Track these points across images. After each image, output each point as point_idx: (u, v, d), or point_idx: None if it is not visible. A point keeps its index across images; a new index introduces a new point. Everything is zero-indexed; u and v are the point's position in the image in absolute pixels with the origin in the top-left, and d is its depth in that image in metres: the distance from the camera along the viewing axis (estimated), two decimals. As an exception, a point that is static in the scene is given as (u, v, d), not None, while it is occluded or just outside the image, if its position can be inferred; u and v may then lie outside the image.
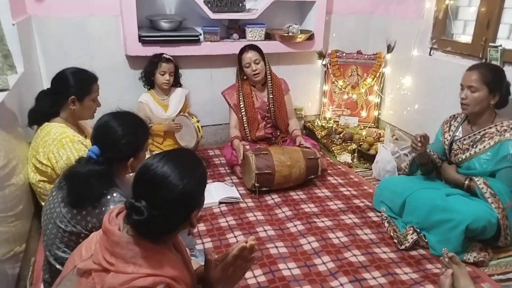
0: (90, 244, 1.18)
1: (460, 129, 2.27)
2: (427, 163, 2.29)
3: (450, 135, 2.29)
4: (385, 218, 2.32)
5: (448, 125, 2.35)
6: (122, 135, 1.53)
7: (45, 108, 2.01)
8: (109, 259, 1.06)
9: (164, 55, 2.79)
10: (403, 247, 2.10)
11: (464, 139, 2.21)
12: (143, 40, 2.84)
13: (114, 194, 1.50)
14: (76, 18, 2.79)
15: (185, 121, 2.76)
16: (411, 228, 2.15)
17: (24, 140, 2.07)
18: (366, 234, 2.23)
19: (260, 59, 2.83)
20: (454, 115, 2.35)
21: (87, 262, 1.10)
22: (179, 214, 1.13)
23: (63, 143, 1.89)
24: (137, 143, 1.59)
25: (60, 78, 2.04)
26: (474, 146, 2.16)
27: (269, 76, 2.90)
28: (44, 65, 2.78)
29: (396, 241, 2.14)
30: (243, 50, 2.85)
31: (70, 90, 2.00)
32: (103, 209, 1.47)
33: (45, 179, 1.97)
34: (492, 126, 2.12)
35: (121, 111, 1.64)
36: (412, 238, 2.10)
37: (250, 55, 2.81)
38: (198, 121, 2.73)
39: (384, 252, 2.08)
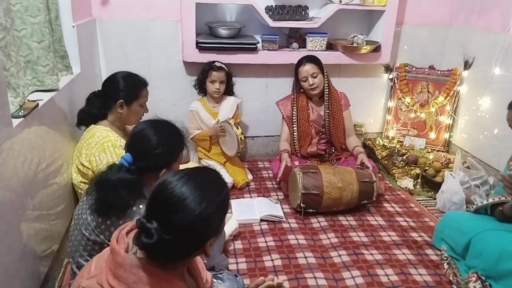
0: (100, 261, 1.10)
1: None
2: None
3: None
4: (445, 258, 2.03)
5: None
6: (156, 145, 1.47)
7: (94, 109, 2.03)
8: (111, 281, 0.98)
9: (216, 63, 2.73)
10: (463, 295, 1.82)
11: None
12: (200, 47, 2.81)
13: (141, 206, 1.44)
14: (138, 22, 2.83)
15: (229, 129, 2.70)
16: (475, 275, 1.84)
17: (73, 140, 2.10)
18: (420, 274, 1.96)
19: (318, 72, 2.66)
20: None
21: (91, 281, 1.02)
22: (192, 241, 1.02)
23: (105, 147, 1.87)
24: (171, 154, 1.53)
25: (111, 81, 2.07)
26: None
27: (327, 90, 2.71)
28: (105, 67, 2.85)
29: (455, 287, 1.86)
30: (300, 62, 2.70)
31: (119, 93, 2.01)
32: (128, 220, 1.40)
33: (86, 181, 1.97)
34: None
35: (158, 119, 1.58)
36: (475, 286, 1.80)
37: (307, 68, 2.65)
38: (242, 133, 2.65)
39: (440, 300, 1.81)
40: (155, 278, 0.99)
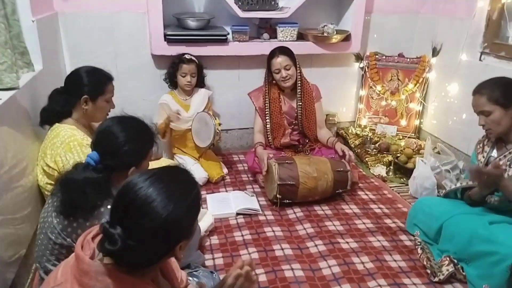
0: (66, 267, 1.05)
1: (494, 149, 2.00)
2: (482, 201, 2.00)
3: (484, 156, 2.02)
4: (418, 243, 2.07)
5: (481, 145, 2.08)
6: (123, 142, 1.42)
7: (57, 107, 1.94)
8: (77, 290, 0.93)
9: (186, 56, 2.68)
10: (436, 279, 1.85)
11: (500, 159, 1.94)
12: (168, 39, 2.74)
13: (109, 207, 1.37)
14: (103, 15, 2.73)
15: (207, 120, 2.63)
16: (447, 258, 1.89)
17: (37, 140, 2.01)
18: (395, 260, 2.00)
19: (291, 65, 2.63)
20: (487, 135, 2.07)
21: (56, 290, 0.98)
22: (160, 246, 0.96)
23: (71, 147, 1.80)
24: (139, 151, 1.48)
25: (74, 77, 1.98)
26: None
27: (299, 82, 2.69)
28: (69, 62, 2.74)
29: (429, 271, 1.89)
30: (273, 54, 2.65)
31: (83, 89, 1.93)
32: (96, 222, 1.36)
33: (53, 182, 1.88)
34: None
35: (125, 115, 1.53)
36: (447, 270, 1.84)
37: (280, 60, 2.61)
38: (220, 124, 2.60)
39: (414, 284, 1.84)
40: (123, 284, 0.94)
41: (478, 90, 1.93)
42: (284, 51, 2.65)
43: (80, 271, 0.95)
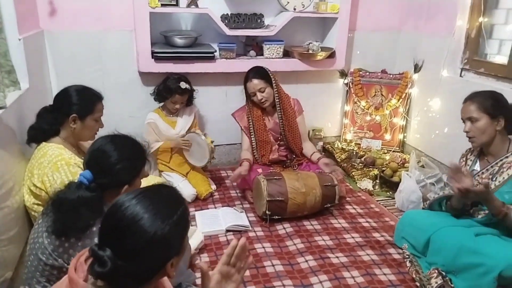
0: (59, 290, 1.04)
1: (477, 162, 2.08)
2: (462, 208, 2.05)
3: (467, 170, 2.08)
4: (407, 256, 2.10)
5: (464, 159, 2.16)
6: (117, 161, 1.43)
7: (45, 125, 1.92)
8: (71, 315, 0.92)
9: (181, 84, 2.64)
10: (426, 291, 1.88)
11: (483, 173, 2.00)
12: (156, 57, 2.75)
13: (101, 226, 1.38)
14: (89, 33, 2.73)
15: (198, 140, 2.65)
16: (436, 271, 1.91)
17: (24, 160, 1.98)
18: (385, 274, 2.02)
19: (265, 86, 2.63)
20: (470, 148, 2.15)
21: (49, 315, 0.96)
22: (150, 264, 0.96)
23: (58, 166, 1.78)
24: (133, 169, 1.48)
25: (63, 95, 1.97)
26: (494, 179, 1.95)
27: (278, 100, 2.70)
28: (55, 81, 2.72)
29: (418, 284, 1.92)
30: (247, 77, 2.67)
31: (72, 107, 1.92)
32: (88, 241, 1.35)
33: (40, 202, 1.86)
34: (509, 155, 1.95)
35: (118, 134, 1.53)
36: (436, 282, 1.86)
37: (253, 84, 2.63)
38: (212, 142, 2.63)
39: (405, 297, 1.87)
40: None
41: (471, 98, 2.01)
42: (257, 73, 2.65)
43: (74, 294, 0.94)
